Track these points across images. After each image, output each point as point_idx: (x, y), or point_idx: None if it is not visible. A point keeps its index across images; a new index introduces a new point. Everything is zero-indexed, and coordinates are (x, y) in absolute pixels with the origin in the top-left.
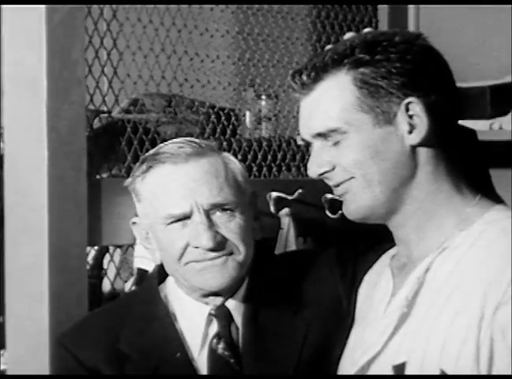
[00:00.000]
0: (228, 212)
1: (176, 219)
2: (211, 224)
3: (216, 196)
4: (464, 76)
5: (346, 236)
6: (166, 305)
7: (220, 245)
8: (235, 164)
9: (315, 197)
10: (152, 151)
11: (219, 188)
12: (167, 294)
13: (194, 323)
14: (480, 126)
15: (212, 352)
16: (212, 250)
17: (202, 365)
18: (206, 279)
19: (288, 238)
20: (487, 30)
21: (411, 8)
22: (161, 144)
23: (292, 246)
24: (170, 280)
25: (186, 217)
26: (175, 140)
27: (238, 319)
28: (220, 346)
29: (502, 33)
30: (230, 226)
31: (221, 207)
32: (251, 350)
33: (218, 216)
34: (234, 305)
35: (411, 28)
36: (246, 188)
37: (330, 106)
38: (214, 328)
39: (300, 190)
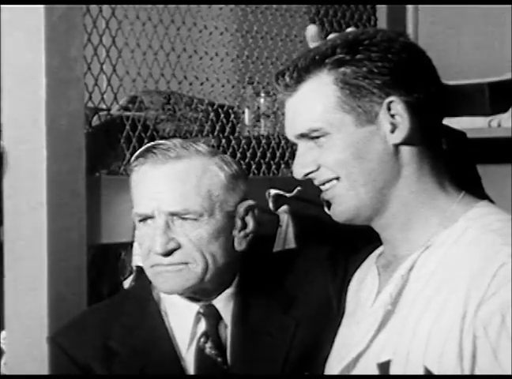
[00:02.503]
0: (190, 221)
1: (141, 218)
2: (167, 230)
3: (176, 204)
4: (463, 73)
5: (344, 233)
6: (157, 302)
7: (172, 252)
8: (218, 174)
9: (314, 194)
10: (146, 146)
11: (183, 196)
12: (159, 292)
13: (183, 321)
14: (479, 123)
15: (200, 351)
16: (164, 256)
17: (190, 363)
18: (160, 283)
19: (287, 236)
20: (486, 27)
21: (409, 7)
22: (158, 141)
23: (291, 244)
24: None
25: (150, 218)
26: (172, 140)
27: (227, 317)
28: (208, 345)
29: (502, 31)
30: (191, 235)
31: (181, 215)
32: (239, 348)
33: (180, 224)
34: (223, 304)
35: (410, 26)
36: (224, 199)
37: (312, 106)
38: (202, 326)
39: (299, 188)
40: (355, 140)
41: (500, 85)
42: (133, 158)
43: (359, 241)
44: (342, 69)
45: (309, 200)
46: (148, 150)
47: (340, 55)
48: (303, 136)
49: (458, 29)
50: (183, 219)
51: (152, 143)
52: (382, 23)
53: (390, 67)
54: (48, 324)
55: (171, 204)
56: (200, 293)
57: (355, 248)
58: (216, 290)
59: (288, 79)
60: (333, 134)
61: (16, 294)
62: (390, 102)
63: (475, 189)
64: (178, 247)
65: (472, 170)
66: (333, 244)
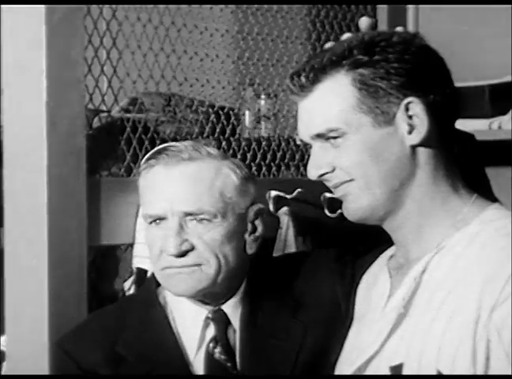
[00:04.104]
0: (204, 222)
1: (153, 219)
2: (181, 231)
3: (190, 205)
4: (463, 75)
5: (345, 236)
6: (164, 307)
7: (186, 253)
8: (230, 176)
9: (314, 196)
10: (157, 148)
11: (197, 196)
12: (166, 296)
13: (191, 326)
14: (480, 125)
15: (209, 356)
16: (178, 257)
17: (198, 369)
18: (172, 285)
19: (287, 238)
20: (486, 29)
21: (410, 7)
22: (169, 143)
23: (291, 245)
24: None
25: (162, 219)
26: (183, 142)
27: (235, 322)
28: (217, 350)
29: (502, 33)
30: (204, 237)
31: (195, 216)
32: (248, 353)
33: (193, 225)
34: (231, 308)
35: (410, 27)
36: (236, 201)
37: (330, 107)
38: (211, 331)
39: (299, 189)
40: (373, 141)
41: (500, 87)
42: (143, 160)
43: (360, 243)
44: (360, 70)
45: (309, 202)
46: (159, 152)
47: (358, 56)
48: (319, 136)
49: (459, 31)
50: (197, 220)
51: (164, 145)
52: (383, 24)
53: (407, 68)
54: (48, 326)
55: (186, 204)
56: (210, 297)
57: (362, 251)
58: (225, 294)
59: (303, 79)
60: (351, 135)
61: (16, 295)
62: (409, 103)
63: (485, 192)
64: (192, 248)
65: (481, 173)
66: (339, 247)
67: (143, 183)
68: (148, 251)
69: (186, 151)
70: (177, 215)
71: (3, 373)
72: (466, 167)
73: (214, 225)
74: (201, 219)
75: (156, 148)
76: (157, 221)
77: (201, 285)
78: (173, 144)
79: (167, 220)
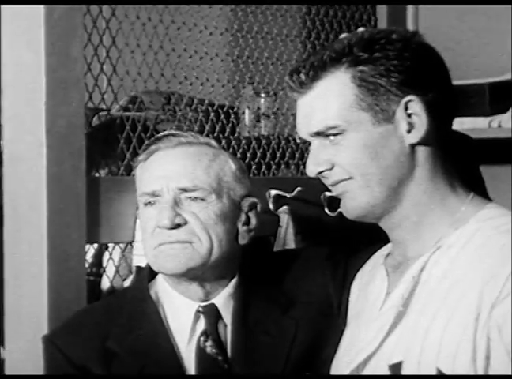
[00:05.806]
0: (199, 200)
1: (149, 197)
2: (175, 206)
3: (186, 181)
4: (463, 73)
5: (345, 234)
6: (155, 302)
7: (178, 227)
8: (228, 162)
9: (314, 194)
10: (156, 136)
11: (193, 174)
12: (157, 291)
13: (182, 319)
14: (479, 124)
15: (200, 350)
16: (170, 229)
17: (189, 362)
18: (163, 262)
19: (287, 236)
20: (486, 28)
21: (409, 7)
22: (167, 132)
23: (291, 244)
24: (160, 277)
25: (157, 197)
26: (181, 132)
27: (226, 316)
28: (208, 343)
29: (502, 31)
30: (198, 214)
31: (190, 192)
32: (239, 348)
33: (188, 203)
34: (222, 302)
35: (410, 27)
36: (233, 186)
37: (329, 104)
38: (201, 325)
39: (299, 188)
40: (372, 139)
41: (500, 86)
42: (141, 151)
43: (360, 241)
44: (360, 68)
45: (309, 201)
46: (159, 138)
47: (358, 53)
48: (318, 134)
49: (458, 29)
50: (191, 198)
51: (162, 133)
52: (382, 23)
53: (407, 65)
54: (48, 324)
55: (181, 180)
56: (200, 278)
57: (355, 248)
58: (214, 284)
59: (303, 77)
60: (350, 132)
61: (16, 294)
62: (408, 101)
63: (480, 193)
64: (185, 223)
65: (476, 174)
66: (332, 244)
67: (140, 171)
68: (142, 234)
69: (185, 137)
70: (172, 191)
71: None
72: (462, 168)
73: (208, 204)
74: (196, 198)
75: (154, 138)
76: (152, 201)
77: (192, 262)
78: (172, 132)
79: (162, 197)
